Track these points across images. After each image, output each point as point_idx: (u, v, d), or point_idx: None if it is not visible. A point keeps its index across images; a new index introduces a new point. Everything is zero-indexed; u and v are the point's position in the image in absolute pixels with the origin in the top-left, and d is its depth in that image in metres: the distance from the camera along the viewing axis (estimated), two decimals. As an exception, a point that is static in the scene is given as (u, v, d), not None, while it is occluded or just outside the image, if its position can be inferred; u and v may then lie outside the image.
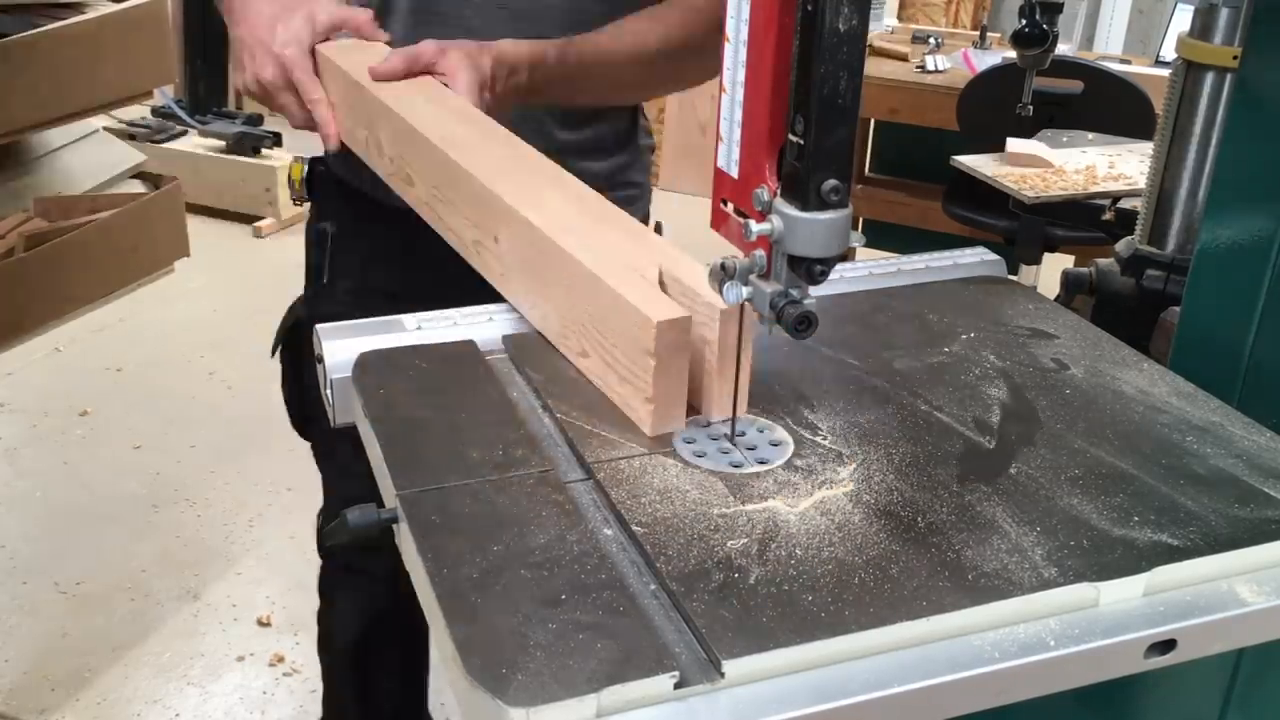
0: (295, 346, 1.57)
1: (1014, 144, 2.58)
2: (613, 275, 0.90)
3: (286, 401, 1.63)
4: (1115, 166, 2.49)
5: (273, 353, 1.61)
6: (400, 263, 1.41)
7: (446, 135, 1.12)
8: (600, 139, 1.46)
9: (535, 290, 1.00)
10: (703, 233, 0.94)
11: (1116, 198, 2.26)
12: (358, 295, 1.47)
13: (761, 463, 0.84)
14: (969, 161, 2.65)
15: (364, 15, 1.29)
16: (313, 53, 1.25)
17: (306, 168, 1.52)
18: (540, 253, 0.97)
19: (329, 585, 1.78)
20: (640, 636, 0.66)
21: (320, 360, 0.97)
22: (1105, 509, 0.80)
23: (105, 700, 2.36)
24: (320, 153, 1.44)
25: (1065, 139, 2.68)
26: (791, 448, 0.86)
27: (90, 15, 2.38)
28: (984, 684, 0.68)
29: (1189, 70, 1.37)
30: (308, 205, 1.58)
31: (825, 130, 0.72)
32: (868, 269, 1.15)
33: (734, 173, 0.80)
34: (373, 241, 1.48)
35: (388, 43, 1.29)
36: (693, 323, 0.86)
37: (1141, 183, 1.72)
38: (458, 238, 1.11)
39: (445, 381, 0.93)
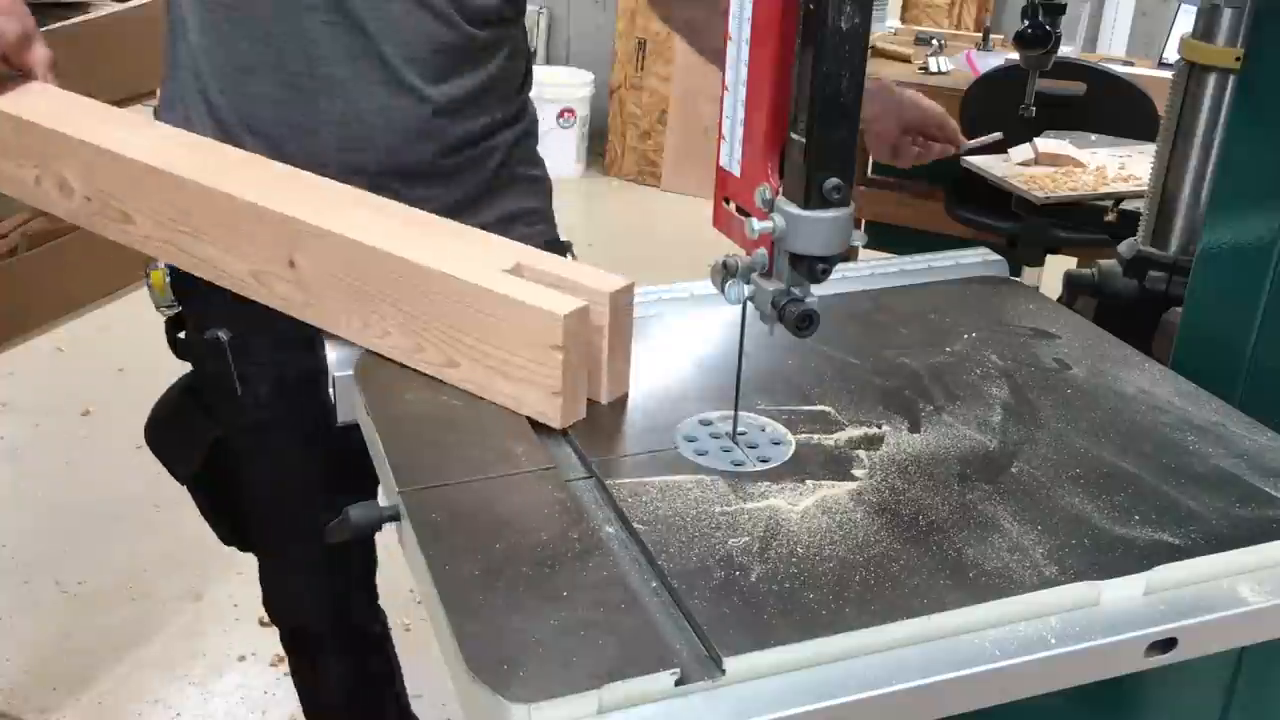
0: (214, 467, 1.41)
1: (1044, 144, 2.57)
2: (482, 277, 0.88)
3: (215, 523, 1.49)
4: (1126, 167, 2.49)
5: (186, 480, 1.44)
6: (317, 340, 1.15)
7: (182, 162, 1.04)
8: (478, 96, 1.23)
9: (363, 311, 0.95)
10: (705, 233, 0.94)
11: (1119, 199, 2.26)
12: (279, 391, 1.29)
13: (763, 461, 0.85)
14: (978, 162, 2.64)
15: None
16: None
17: (169, 272, 1.26)
18: (367, 269, 0.92)
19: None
20: (641, 633, 0.66)
21: (323, 359, 0.97)
22: (1106, 508, 0.80)
23: (106, 700, 2.36)
24: None
25: (1068, 140, 2.67)
26: (793, 446, 0.87)
27: (93, 15, 2.38)
28: (985, 682, 0.68)
29: (1192, 71, 1.37)
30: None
31: (827, 129, 0.72)
32: (870, 269, 1.15)
33: (736, 171, 0.80)
34: (280, 330, 1.17)
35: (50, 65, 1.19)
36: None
37: (1153, 185, 1.72)
38: (220, 271, 1.04)
39: (447, 379, 0.93)
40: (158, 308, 1.35)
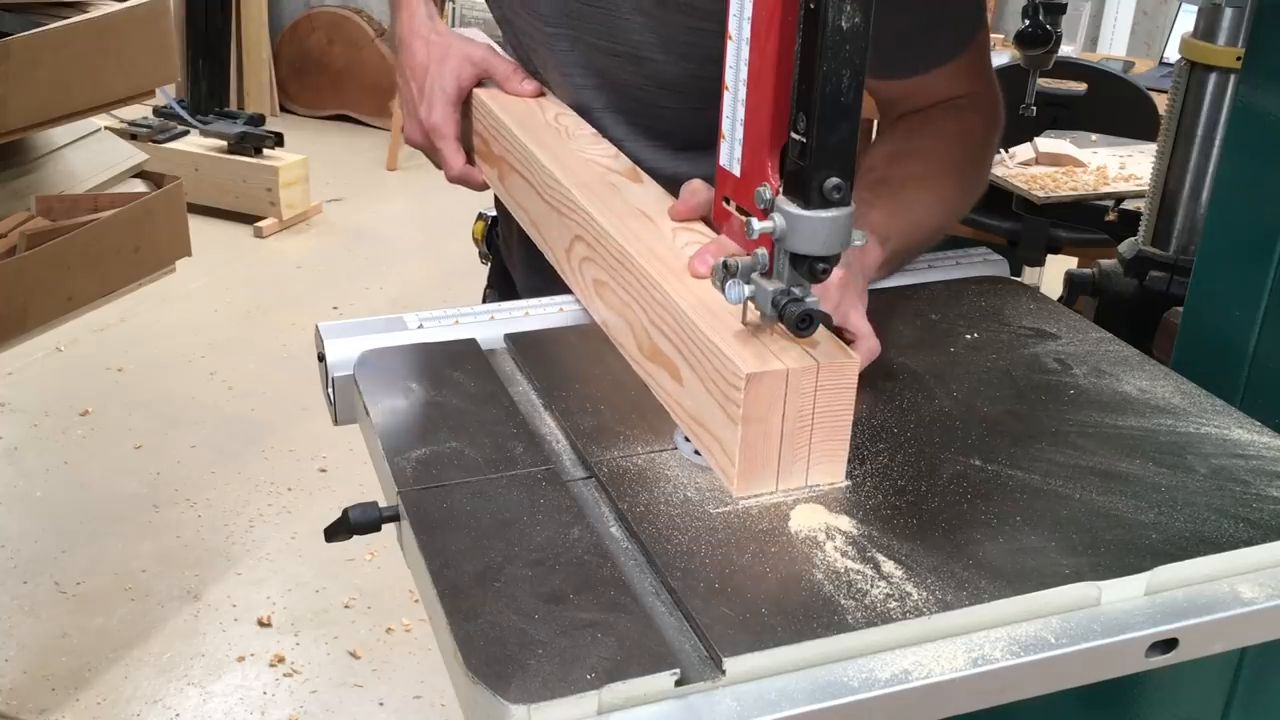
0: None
1: (1044, 143, 2.57)
2: (703, 314, 0.83)
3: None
4: (1126, 167, 2.49)
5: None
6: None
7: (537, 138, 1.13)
8: None
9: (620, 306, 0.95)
10: (705, 231, 0.93)
11: (1120, 198, 2.26)
12: None
13: (763, 461, 0.84)
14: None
15: (508, 67, 1.23)
16: (467, 98, 1.24)
17: (487, 226, 1.45)
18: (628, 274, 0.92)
19: None
20: (641, 634, 0.66)
21: (322, 358, 0.97)
22: (1107, 508, 0.80)
23: (105, 700, 2.36)
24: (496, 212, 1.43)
25: (1068, 140, 2.67)
26: (793, 446, 0.86)
27: (93, 14, 2.38)
28: (985, 682, 0.68)
29: (1193, 71, 1.37)
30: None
31: (828, 128, 0.72)
32: (870, 269, 1.15)
33: (736, 171, 0.80)
34: None
35: (537, 94, 1.23)
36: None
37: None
38: (542, 240, 1.12)
39: (447, 380, 0.93)
40: (480, 257, 1.50)
